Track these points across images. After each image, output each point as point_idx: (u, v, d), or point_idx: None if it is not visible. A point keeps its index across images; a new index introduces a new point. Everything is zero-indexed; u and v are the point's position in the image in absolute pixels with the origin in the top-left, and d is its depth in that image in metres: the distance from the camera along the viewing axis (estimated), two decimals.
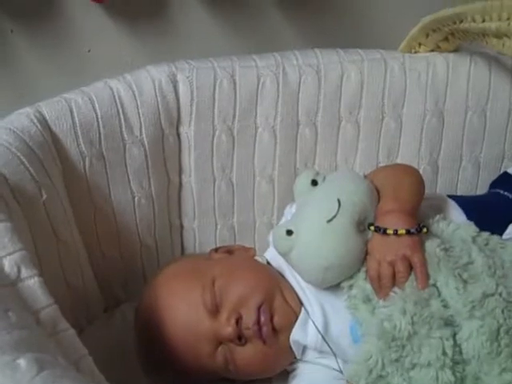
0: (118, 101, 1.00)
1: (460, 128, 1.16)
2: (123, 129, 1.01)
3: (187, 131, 1.09)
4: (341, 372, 0.89)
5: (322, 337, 0.89)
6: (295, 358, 0.93)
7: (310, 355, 0.92)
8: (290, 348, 0.91)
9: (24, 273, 0.70)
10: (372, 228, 0.86)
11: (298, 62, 1.12)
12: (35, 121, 0.90)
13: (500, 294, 0.80)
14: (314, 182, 0.92)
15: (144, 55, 1.22)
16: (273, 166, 1.15)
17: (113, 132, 1.00)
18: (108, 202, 1.04)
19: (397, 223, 0.85)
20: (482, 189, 1.19)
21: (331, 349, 0.89)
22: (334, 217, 0.85)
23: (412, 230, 0.84)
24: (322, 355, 0.91)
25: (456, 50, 1.14)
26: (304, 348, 0.92)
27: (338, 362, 0.90)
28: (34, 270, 0.71)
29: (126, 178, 1.04)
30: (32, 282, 0.70)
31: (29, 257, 0.72)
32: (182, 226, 1.17)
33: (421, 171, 1.07)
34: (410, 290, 0.82)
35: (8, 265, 0.69)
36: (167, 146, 1.08)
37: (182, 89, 1.06)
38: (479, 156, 1.18)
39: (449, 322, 0.80)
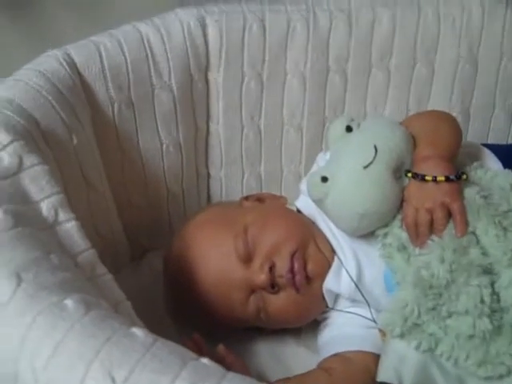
0: (146, 45, 0.97)
1: (494, 75, 1.13)
2: (152, 73, 0.99)
3: (216, 77, 1.07)
4: (373, 321, 0.89)
5: (356, 285, 0.88)
6: (327, 306, 0.93)
7: (342, 304, 0.92)
8: (323, 297, 0.91)
9: (62, 216, 0.69)
10: (409, 175, 0.84)
11: (328, 6, 1.09)
12: (64, 64, 0.88)
13: None
14: (349, 129, 0.90)
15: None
16: (301, 114, 1.13)
17: (142, 77, 0.98)
18: (136, 149, 1.02)
19: (435, 170, 0.83)
20: None
21: (364, 297, 0.88)
22: (371, 163, 0.83)
23: (451, 177, 0.82)
24: (355, 304, 0.91)
25: None
26: (336, 297, 0.92)
27: (371, 311, 0.89)
28: (71, 214, 0.70)
29: (155, 124, 1.02)
30: (70, 226, 0.70)
31: (66, 200, 0.71)
32: (208, 175, 1.17)
33: None
34: (449, 238, 0.80)
35: (46, 208, 0.68)
36: (196, 93, 1.06)
37: (211, 33, 1.03)
38: None
39: (487, 270, 0.79)
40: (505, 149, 1.04)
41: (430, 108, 1.14)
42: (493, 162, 0.95)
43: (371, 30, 1.09)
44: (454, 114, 1.12)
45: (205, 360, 0.54)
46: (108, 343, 0.51)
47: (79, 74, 0.91)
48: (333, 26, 1.08)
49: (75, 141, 0.86)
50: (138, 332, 0.54)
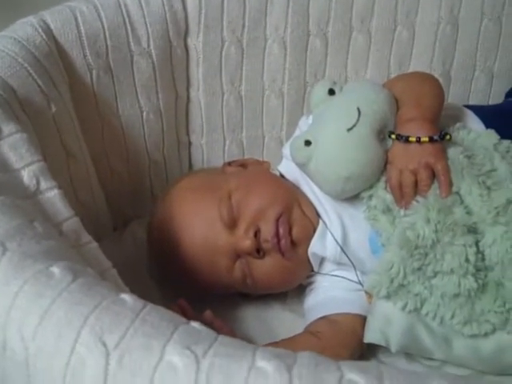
0: (124, 10, 0.95)
1: (475, 36, 1.13)
2: (130, 40, 0.97)
3: (195, 43, 1.05)
4: (359, 283, 0.89)
5: (341, 248, 0.88)
6: (312, 271, 0.93)
7: (328, 268, 0.92)
8: (309, 261, 0.91)
9: (43, 185, 0.68)
10: (393, 136, 0.84)
11: None
12: (40, 30, 0.86)
13: None
14: (332, 92, 0.89)
15: None
16: (282, 79, 1.12)
17: (120, 43, 0.96)
18: (116, 117, 1.01)
19: (419, 131, 0.83)
20: (494, 99, 1.18)
21: (350, 260, 0.89)
22: (354, 125, 0.83)
23: (435, 138, 0.82)
24: (340, 267, 0.91)
25: None
26: (322, 260, 0.92)
27: (356, 274, 0.89)
28: (53, 182, 0.70)
29: (134, 91, 1.01)
30: (52, 194, 0.69)
31: (47, 168, 0.70)
32: (190, 143, 1.16)
33: None
34: (433, 198, 0.80)
35: (27, 176, 0.67)
36: (175, 59, 1.04)
37: None
38: (493, 66, 1.16)
39: (472, 230, 0.79)
40: (486, 109, 1.03)
41: (411, 71, 1.13)
42: (475, 123, 0.95)
43: None
44: (435, 77, 1.13)
45: (195, 324, 0.53)
46: (97, 309, 0.51)
47: (55, 40, 0.89)
48: None
49: (54, 109, 0.84)
50: (127, 298, 0.53)
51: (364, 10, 1.09)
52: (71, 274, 0.53)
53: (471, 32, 1.12)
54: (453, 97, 1.16)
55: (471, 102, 1.16)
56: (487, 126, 0.94)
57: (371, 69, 1.14)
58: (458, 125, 0.91)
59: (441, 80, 1.10)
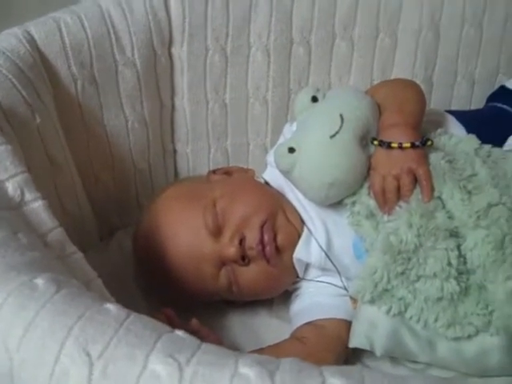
0: (108, 20, 0.96)
1: (456, 42, 1.14)
2: (115, 49, 0.97)
3: (180, 52, 1.06)
4: (344, 289, 0.90)
5: (326, 254, 0.89)
6: (298, 277, 0.93)
7: (313, 274, 0.93)
8: (294, 267, 0.91)
9: (28, 196, 0.69)
10: (376, 142, 0.85)
11: None
12: (24, 41, 0.86)
13: (504, 204, 0.80)
14: (315, 99, 0.90)
15: None
16: (266, 87, 1.13)
17: (104, 53, 0.96)
18: (101, 126, 1.01)
19: (401, 137, 0.84)
20: (475, 105, 1.19)
21: (335, 266, 0.89)
22: (337, 132, 0.84)
23: (417, 143, 0.83)
24: (325, 273, 0.92)
25: None
26: (307, 267, 0.93)
27: (341, 279, 0.90)
28: (37, 193, 0.70)
29: (119, 101, 1.01)
30: (36, 205, 0.69)
31: (31, 179, 0.70)
32: (175, 151, 1.16)
33: None
34: (416, 203, 0.81)
35: (11, 188, 0.67)
36: (160, 68, 1.05)
37: (174, 6, 1.02)
38: (474, 71, 1.17)
39: (454, 234, 0.80)
40: (468, 115, 1.05)
41: (393, 77, 1.15)
42: (457, 128, 0.96)
43: (334, 1, 1.09)
44: (418, 82, 1.14)
45: (179, 332, 0.54)
46: (81, 320, 0.51)
47: (40, 51, 0.89)
48: None
49: (38, 119, 0.84)
50: (111, 307, 0.54)
51: (346, 18, 1.10)
52: (55, 285, 0.54)
53: (452, 38, 1.14)
54: (435, 102, 1.17)
55: (453, 107, 1.18)
56: (468, 130, 0.95)
57: (354, 75, 1.15)
58: (439, 130, 0.92)
59: (423, 86, 1.12)
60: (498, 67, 1.18)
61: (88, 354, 0.48)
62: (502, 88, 1.11)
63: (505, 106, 1.04)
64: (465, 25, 1.13)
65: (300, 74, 1.13)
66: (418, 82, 1.12)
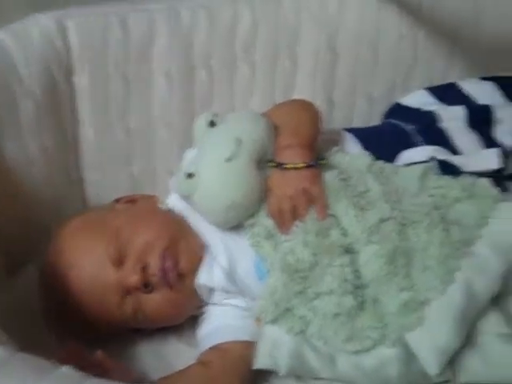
0: (5, 52, 0.94)
1: (353, 62, 1.18)
2: (13, 81, 0.95)
3: (81, 80, 1.05)
4: (249, 310, 0.91)
5: (228, 277, 0.89)
6: (203, 301, 0.94)
7: (218, 297, 0.93)
8: (198, 292, 0.92)
9: None
10: (271, 164, 0.87)
11: (190, 3, 1.10)
12: None
13: (395, 218, 0.83)
14: (212, 124, 0.91)
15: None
16: (170, 112, 1.13)
17: (3, 85, 0.94)
18: (1, 160, 0.98)
19: (295, 157, 0.86)
20: (375, 121, 1.23)
21: (238, 288, 0.90)
22: (233, 155, 0.85)
23: (311, 163, 0.85)
24: (230, 296, 0.92)
25: None
26: (211, 290, 0.93)
27: (245, 301, 0.91)
28: None
29: (20, 132, 0.99)
30: None
31: None
32: (82, 179, 1.14)
33: None
34: (311, 222, 0.83)
35: None
36: (61, 97, 1.04)
37: (72, 36, 1.02)
38: (372, 90, 1.21)
39: (349, 250, 0.82)
40: (366, 131, 1.08)
41: (296, 98, 1.17)
42: (353, 145, 0.99)
43: (233, 25, 1.11)
44: (318, 103, 1.16)
45: (64, 369, 0.53)
46: None
47: None
48: (195, 22, 1.09)
49: None
50: None
51: (247, 42, 1.13)
52: None
53: (349, 59, 1.17)
54: (337, 120, 1.21)
55: (354, 125, 1.21)
56: (366, 146, 0.99)
57: (257, 98, 1.17)
58: (335, 148, 0.95)
59: (324, 106, 1.16)
60: (394, 85, 1.22)
61: None
62: (397, 105, 1.15)
63: (398, 122, 1.08)
64: (362, 47, 1.17)
65: (204, 98, 1.14)
66: (318, 102, 1.15)
